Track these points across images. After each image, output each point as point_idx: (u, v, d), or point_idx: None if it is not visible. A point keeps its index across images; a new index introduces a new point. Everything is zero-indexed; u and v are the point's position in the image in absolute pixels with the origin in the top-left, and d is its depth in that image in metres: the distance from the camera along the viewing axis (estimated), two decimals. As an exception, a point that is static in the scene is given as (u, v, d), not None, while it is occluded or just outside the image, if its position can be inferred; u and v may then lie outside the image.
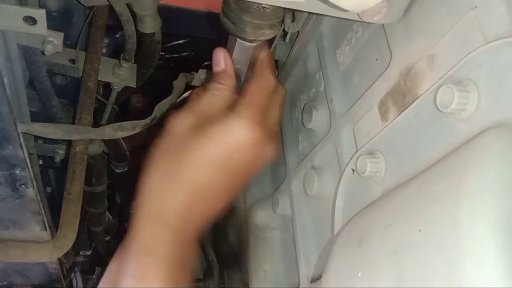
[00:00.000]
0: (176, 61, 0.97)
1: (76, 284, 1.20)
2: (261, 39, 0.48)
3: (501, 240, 0.26)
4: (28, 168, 0.49)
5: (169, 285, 0.40)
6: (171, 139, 0.45)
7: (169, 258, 0.41)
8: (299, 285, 0.59)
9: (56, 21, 0.68)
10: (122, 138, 0.87)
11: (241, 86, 0.52)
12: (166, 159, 0.44)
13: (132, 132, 0.62)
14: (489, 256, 0.26)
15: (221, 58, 0.50)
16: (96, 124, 0.77)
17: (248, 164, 0.46)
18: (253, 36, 0.47)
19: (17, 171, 0.49)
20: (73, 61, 0.71)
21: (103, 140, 0.85)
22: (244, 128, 0.44)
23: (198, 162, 0.43)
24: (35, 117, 0.67)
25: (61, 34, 0.59)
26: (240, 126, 0.44)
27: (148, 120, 0.64)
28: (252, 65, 0.51)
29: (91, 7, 0.70)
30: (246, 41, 0.48)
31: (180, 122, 0.46)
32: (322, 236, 0.56)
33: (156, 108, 0.66)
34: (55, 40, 0.58)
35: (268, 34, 0.47)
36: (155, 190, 0.43)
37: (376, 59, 0.48)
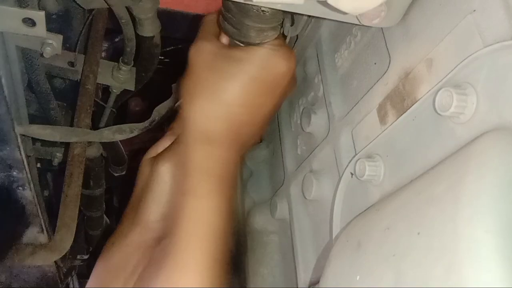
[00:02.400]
0: (175, 65, 0.97)
1: (73, 288, 1.20)
2: (265, 41, 0.48)
3: (500, 243, 0.26)
4: (25, 170, 0.49)
5: (227, 204, 0.45)
6: (204, 66, 0.47)
7: (226, 174, 0.46)
8: (297, 290, 0.59)
9: (56, 24, 0.68)
10: (120, 141, 0.87)
11: None
12: (205, 84, 0.46)
13: (131, 135, 0.62)
14: (487, 259, 0.26)
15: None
16: (94, 127, 0.76)
17: (282, 88, 0.48)
18: (258, 39, 0.47)
19: (14, 173, 0.49)
20: (72, 64, 0.71)
21: (102, 143, 0.84)
22: (283, 54, 0.47)
23: (237, 84, 0.45)
24: (34, 120, 0.67)
25: (60, 37, 0.59)
26: (279, 52, 0.47)
27: (146, 123, 0.64)
28: None
29: (91, 10, 0.71)
30: (251, 45, 0.48)
31: (210, 49, 0.48)
32: (321, 240, 0.56)
33: (155, 111, 0.66)
34: (54, 43, 0.58)
35: (272, 36, 0.48)
36: (201, 115, 0.46)
37: (375, 63, 0.48)
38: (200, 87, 0.47)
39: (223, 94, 0.46)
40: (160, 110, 0.67)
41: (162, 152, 0.55)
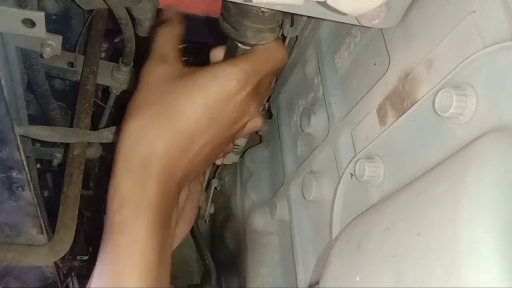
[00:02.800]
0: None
1: (73, 289, 1.19)
2: (262, 42, 0.48)
3: (500, 244, 0.26)
4: (25, 171, 0.49)
5: (152, 234, 0.38)
6: (152, 88, 0.43)
7: (153, 206, 0.39)
8: (296, 290, 0.59)
9: (55, 24, 0.68)
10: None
11: None
12: (149, 107, 0.41)
13: None
14: (487, 260, 0.26)
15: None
16: (94, 127, 0.76)
17: (236, 116, 0.44)
18: (254, 40, 0.47)
19: (14, 174, 0.49)
20: (71, 65, 0.71)
21: (101, 144, 0.84)
22: (237, 77, 0.42)
23: (185, 109, 0.41)
24: (33, 120, 0.67)
25: (60, 37, 0.59)
26: (232, 75, 0.42)
27: None
28: None
29: (90, 11, 0.71)
30: (247, 45, 0.48)
31: (161, 71, 0.43)
32: (320, 241, 0.56)
33: None
34: (54, 43, 0.58)
35: (269, 37, 0.47)
36: (137, 136, 0.40)
37: (375, 64, 0.48)
38: (145, 110, 0.41)
39: (170, 119, 0.40)
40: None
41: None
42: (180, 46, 0.48)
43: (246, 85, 0.42)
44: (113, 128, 0.63)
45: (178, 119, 0.41)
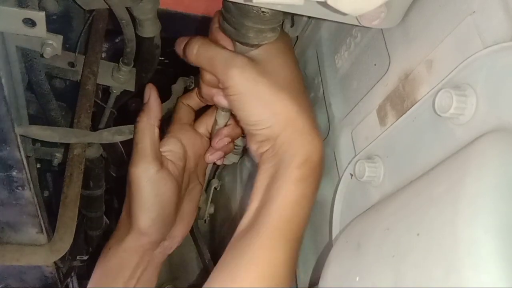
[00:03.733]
0: (175, 66, 0.97)
1: (73, 289, 1.19)
2: (264, 42, 0.48)
3: (499, 244, 0.26)
4: (25, 170, 0.49)
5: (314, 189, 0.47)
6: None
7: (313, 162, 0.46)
8: (296, 291, 0.59)
9: (56, 24, 0.68)
10: (120, 142, 0.86)
11: None
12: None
13: (130, 137, 0.62)
14: (487, 260, 0.26)
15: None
16: (94, 127, 0.77)
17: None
18: (256, 40, 0.47)
19: (14, 173, 0.49)
20: (72, 64, 0.71)
21: (101, 144, 0.85)
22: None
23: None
24: (34, 120, 0.66)
25: (60, 37, 0.59)
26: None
27: None
28: None
29: (91, 11, 0.71)
30: (249, 45, 0.48)
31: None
32: (320, 241, 0.56)
33: None
34: (54, 43, 0.58)
35: (270, 37, 0.47)
36: None
37: (375, 64, 0.48)
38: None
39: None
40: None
41: (132, 158, 0.55)
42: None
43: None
44: (112, 129, 0.63)
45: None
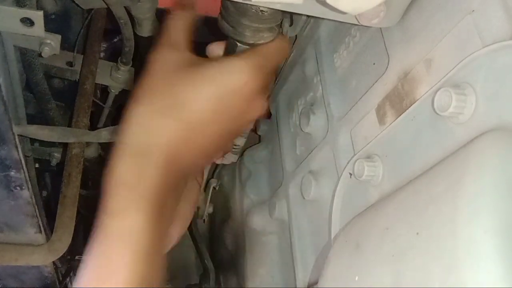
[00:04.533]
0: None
1: (71, 288, 1.19)
2: (260, 42, 0.48)
3: (499, 244, 0.26)
4: (23, 170, 0.49)
5: (146, 220, 0.38)
6: (161, 75, 0.42)
7: (149, 194, 0.38)
8: (295, 290, 0.59)
9: (54, 24, 0.68)
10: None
11: None
12: (156, 94, 0.41)
13: None
14: (486, 260, 0.26)
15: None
16: (93, 127, 0.76)
17: (242, 111, 0.43)
18: (252, 39, 0.47)
19: (12, 173, 0.49)
20: (70, 64, 0.71)
21: (100, 144, 0.84)
22: (245, 71, 0.41)
23: (192, 100, 0.40)
24: (32, 120, 0.66)
25: (59, 37, 0.59)
26: (240, 68, 0.42)
27: None
28: None
29: (89, 10, 0.70)
30: (246, 44, 0.48)
31: (170, 59, 0.42)
32: (319, 241, 0.56)
33: None
34: (53, 42, 0.58)
35: (268, 37, 0.47)
36: (143, 125, 0.40)
37: (374, 63, 0.48)
38: (151, 97, 0.41)
39: (176, 109, 0.40)
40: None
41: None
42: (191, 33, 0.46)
43: (254, 79, 0.42)
44: (111, 128, 0.63)
45: (185, 111, 0.40)
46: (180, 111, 0.40)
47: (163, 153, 0.39)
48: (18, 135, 0.47)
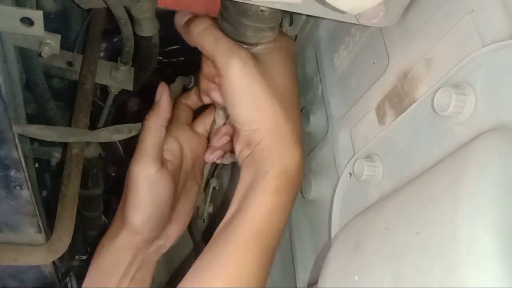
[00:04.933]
0: (174, 65, 0.97)
1: (71, 288, 1.19)
2: (262, 41, 0.48)
3: (499, 244, 0.26)
4: (23, 170, 0.49)
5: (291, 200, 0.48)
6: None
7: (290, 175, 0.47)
8: (295, 290, 0.59)
9: (54, 24, 0.68)
10: (118, 141, 0.86)
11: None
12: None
13: (129, 135, 0.62)
14: (486, 260, 0.26)
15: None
16: (92, 127, 0.76)
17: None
18: (255, 39, 0.47)
19: (12, 173, 0.49)
20: (70, 64, 0.71)
21: (100, 144, 0.84)
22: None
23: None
24: (32, 120, 0.66)
25: (58, 36, 0.59)
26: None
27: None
28: None
29: (89, 10, 0.70)
30: (247, 44, 0.48)
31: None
32: (319, 240, 0.56)
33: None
34: (52, 42, 0.58)
35: (269, 36, 0.47)
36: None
37: (374, 63, 0.48)
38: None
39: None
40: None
41: (135, 155, 0.55)
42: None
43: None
44: (111, 128, 0.62)
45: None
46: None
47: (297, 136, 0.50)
48: (18, 135, 0.47)
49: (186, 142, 0.60)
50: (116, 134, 0.62)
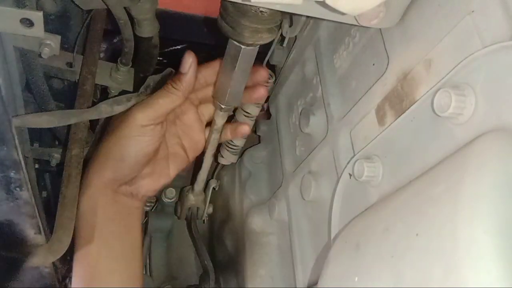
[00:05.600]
0: (174, 66, 0.97)
1: (71, 289, 1.19)
2: (259, 43, 0.48)
3: (499, 244, 0.26)
4: (22, 171, 0.49)
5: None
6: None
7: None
8: (295, 291, 0.59)
9: (54, 24, 0.68)
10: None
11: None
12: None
13: (129, 105, 0.61)
14: (486, 260, 0.26)
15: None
16: (92, 127, 0.76)
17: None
18: (251, 40, 0.47)
19: (12, 173, 0.48)
20: (70, 65, 0.71)
21: (100, 144, 0.84)
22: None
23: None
24: (31, 120, 0.66)
25: (58, 37, 0.59)
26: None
27: (142, 89, 0.64)
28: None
29: (89, 11, 0.70)
30: (244, 45, 0.48)
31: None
32: (319, 241, 0.56)
33: (149, 78, 0.65)
34: (52, 43, 0.58)
35: (266, 38, 0.47)
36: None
37: (373, 64, 0.48)
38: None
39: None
40: (155, 77, 0.66)
41: (143, 103, 0.60)
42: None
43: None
44: (110, 100, 0.61)
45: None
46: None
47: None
48: (17, 134, 0.47)
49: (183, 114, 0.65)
50: (116, 105, 0.61)
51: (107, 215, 0.59)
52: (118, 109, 0.61)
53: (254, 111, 0.71)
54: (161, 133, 0.60)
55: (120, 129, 0.58)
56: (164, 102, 0.58)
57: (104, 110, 0.61)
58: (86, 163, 0.61)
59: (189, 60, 0.58)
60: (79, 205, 0.57)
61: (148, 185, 0.63)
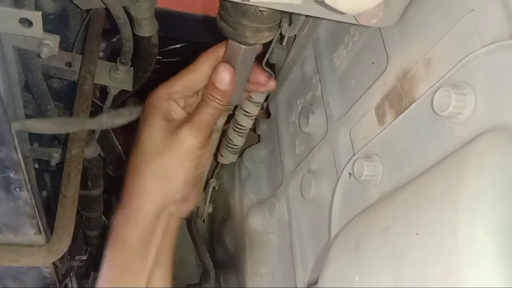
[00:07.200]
0: (173, 65, 0.97)
1: (72, 288, 1.19)
2: (261, 42, 0.48)
3: (498, 244, 0.26)
4: (22, 171, 0.49)
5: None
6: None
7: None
8: (295, 290, 0.59)
9: (53, 24, 0.68)
10: (118, 142, 0.86)
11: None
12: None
13: (130, 119, 0.60)
14: (486, 260, 0.26)
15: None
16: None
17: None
18: (253, 39, 0.47)
19: (12, 174, 0.49)
20: (69, 64, 0.71)
21: (99, 144, 0.84)
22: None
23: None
24: (31, 120, 0.66)
25: (57, 37, 0.59)
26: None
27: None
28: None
29: (88, 10, 0.70)
30: (246, 44, 0.48)
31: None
32: (319, 240, 0.56)
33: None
34: (51, 43, 0.58)
35: (267, 36, 0.47)
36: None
37: (373, 63, 0.48)
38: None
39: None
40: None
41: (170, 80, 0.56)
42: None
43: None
44: (112, 112, 0.61)
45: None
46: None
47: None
48: (17, 135, 0.47)
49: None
50: (117, 118, 0.60)
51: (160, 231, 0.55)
52: (119, 121, 0.61)
53: (254, 110, 0.71)
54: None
55: (173, 151, 0.54)
56: (213, 119, 0.54)
57: (105, 121, 0.61)
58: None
59: (228, 76, 0.53)
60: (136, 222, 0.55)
61: (193, 204, 0.60)
